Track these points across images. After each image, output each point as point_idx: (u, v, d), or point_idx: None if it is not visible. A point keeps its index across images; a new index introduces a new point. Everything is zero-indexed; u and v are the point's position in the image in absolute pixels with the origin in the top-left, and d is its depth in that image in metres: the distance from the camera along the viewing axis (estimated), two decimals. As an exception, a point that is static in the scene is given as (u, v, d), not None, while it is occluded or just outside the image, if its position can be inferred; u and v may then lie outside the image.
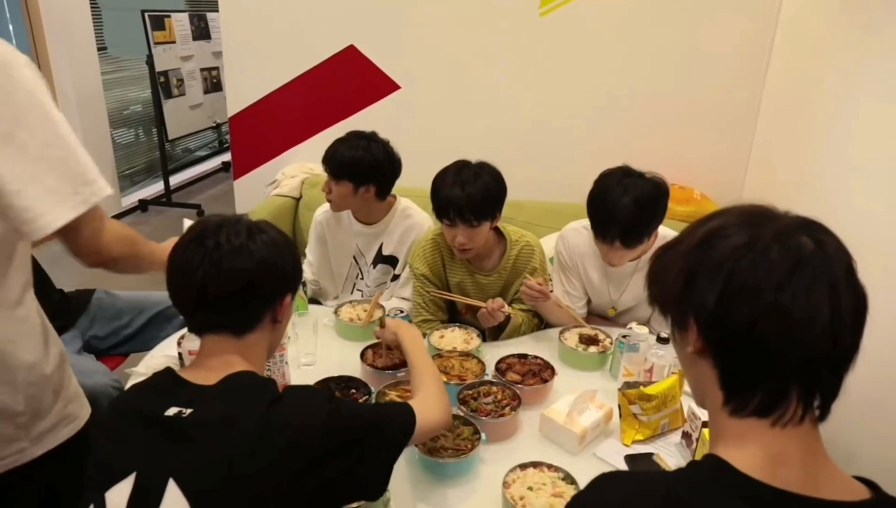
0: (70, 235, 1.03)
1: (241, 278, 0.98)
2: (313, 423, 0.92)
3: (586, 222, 2.00)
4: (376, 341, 1.74)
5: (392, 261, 2.21)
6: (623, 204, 1.70)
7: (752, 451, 0.66)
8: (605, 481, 0.71)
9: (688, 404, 1.51)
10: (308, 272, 2.28)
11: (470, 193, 1.76)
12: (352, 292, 2.24)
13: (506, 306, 1.83)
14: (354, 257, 2.24)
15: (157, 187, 5.39)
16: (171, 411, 0.91)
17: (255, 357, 1.03)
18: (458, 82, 2.96)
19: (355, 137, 2.07)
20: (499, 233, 1.97)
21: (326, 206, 2.21)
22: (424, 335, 1.87)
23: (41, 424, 1.14)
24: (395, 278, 2.21)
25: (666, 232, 1.86)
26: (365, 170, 2.03)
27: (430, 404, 1.17)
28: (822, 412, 0.69)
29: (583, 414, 1.43)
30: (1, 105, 0.92)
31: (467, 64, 2.92)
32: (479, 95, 2.96)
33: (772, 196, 2.78)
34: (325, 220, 2.23)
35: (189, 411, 0.91)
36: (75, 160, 1.00)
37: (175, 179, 5.49)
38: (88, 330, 2.05)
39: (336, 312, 1.91)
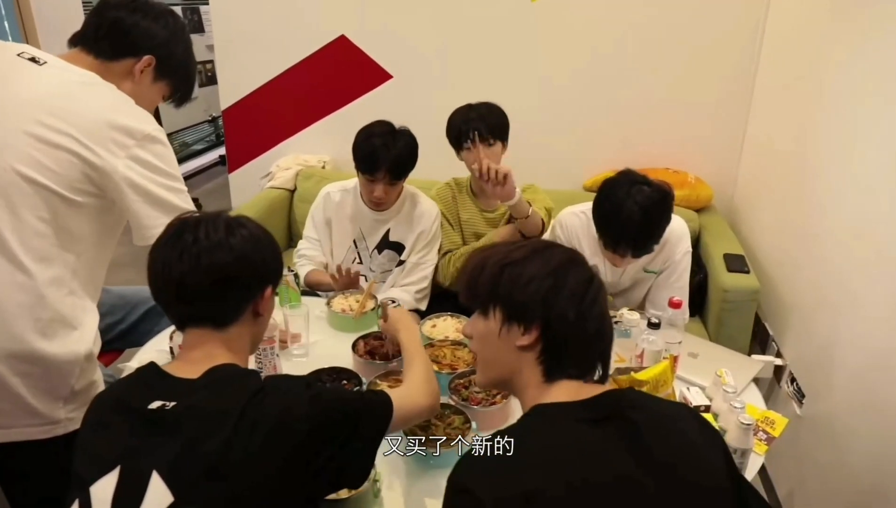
0: None
1: (219, 271, 0.99)
2: (296, 412, 0.93)
3: (583, 206, 2.00)
4: (368, 332, 1.75)
5: (398, 248, 2.19)
6: (634, 219, 1.69)
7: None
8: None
9: (679, 389, 1.51)
10: (314, 251, 2.23)
11: (482, 112, 2.06)
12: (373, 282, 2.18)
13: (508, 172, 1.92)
14: (354, 241, 2.21)
15: (154, 182, 5.37)
16: (155, 404, 0.92)
17: (238, 350, 1.04)
18: (450, 70, 2.94)
19: (387, 131, 2.01)
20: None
21: (339, 186, 2.20)
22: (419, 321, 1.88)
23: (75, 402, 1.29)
24: (401, 263, 2.20)
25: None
26: (414, 161, 2.04)
27: (411, 390, 1.19)
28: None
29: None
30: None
31: (459, 51, 2.91)
32: (471, 83, 2.91)
33: (766, 178, 2.81)
34: (338, 201, 2.18)
35: (172, 404, 0.92)
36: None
37: (172, 174, 5.47)
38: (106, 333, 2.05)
39: (328, 303, 1.91)
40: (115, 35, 1.33)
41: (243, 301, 1.04)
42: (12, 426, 1.25)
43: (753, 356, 1.93)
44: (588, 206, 1.89)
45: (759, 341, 2.39)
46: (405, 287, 2.14)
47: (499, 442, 0.85)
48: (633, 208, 1.69)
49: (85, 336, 1.29)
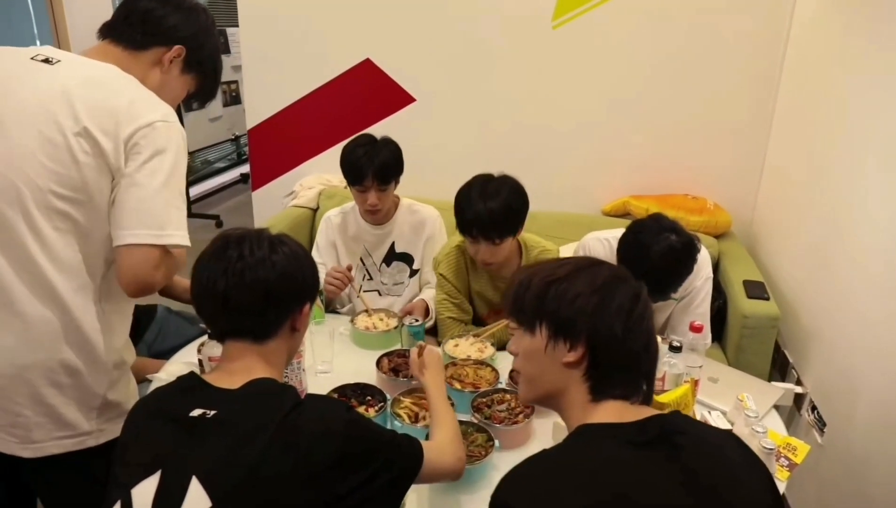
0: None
1: (262, 287, 1.01)
2: (332, 430, 0.95)
3: (608, 233, 2.02)
4: (391, 349, 1.77)
5: (407, 258, 2.25)
6: (656, 267, 1.68)
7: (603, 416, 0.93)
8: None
9: (700, 413, 1.52)
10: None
11: (493, 209, 1.76)
12: (359, 293, 2.24)
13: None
14: (361, 259, 2.26)
15: (177, 198, 5.48)
16: (196, 412, 0.95)
17: (275, 363, 1.07)
18: (472, 94, 2.99)
19: (369, 141, 2.09)
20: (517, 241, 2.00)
21: (338, 209, 2.27)
22: (439, 343, 1.91)
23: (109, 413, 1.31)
24: (414, 273, 2.25)
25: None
26: (399, 166, 2.10)
27: (443, 447, 1.18)
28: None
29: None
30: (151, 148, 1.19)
31: (481, 76, 2.96)
32: (492, 107, 2.99)
33: (785, 204, 2.81)
34: (339, 223, 2.26)
35: (213, 412, 0.95)
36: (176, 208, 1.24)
37: (195, 190, 5.57)
38: (153, 345, 2.07)
39: (352, 321, 1.95)
40: (145, 24, 1.31)
41: (283, 317, 1.06)
42: (46, 440, 1.25)
43: (773, 383, 1.93)
44: (613, 233, 1.90)
45: (779, 368, 2.38)
46: (431, 289, 2.18)
47: (543, 461, 0.86)
48: (656, 257, 1.69)
49: (115, 345, 1.30)
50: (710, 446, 0.90)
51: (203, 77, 1.44)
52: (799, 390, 2.15)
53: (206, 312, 1.05)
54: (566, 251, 2.27)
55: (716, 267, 2.59)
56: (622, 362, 0.94)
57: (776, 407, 1.68)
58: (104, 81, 1.23)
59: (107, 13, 1.38)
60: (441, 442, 1.20)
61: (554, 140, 2.97)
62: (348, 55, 3.07)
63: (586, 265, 0.99)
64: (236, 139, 5.85)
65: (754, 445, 1.27)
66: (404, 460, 1.05)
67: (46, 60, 1.22)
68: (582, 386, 0.94)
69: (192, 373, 1.05)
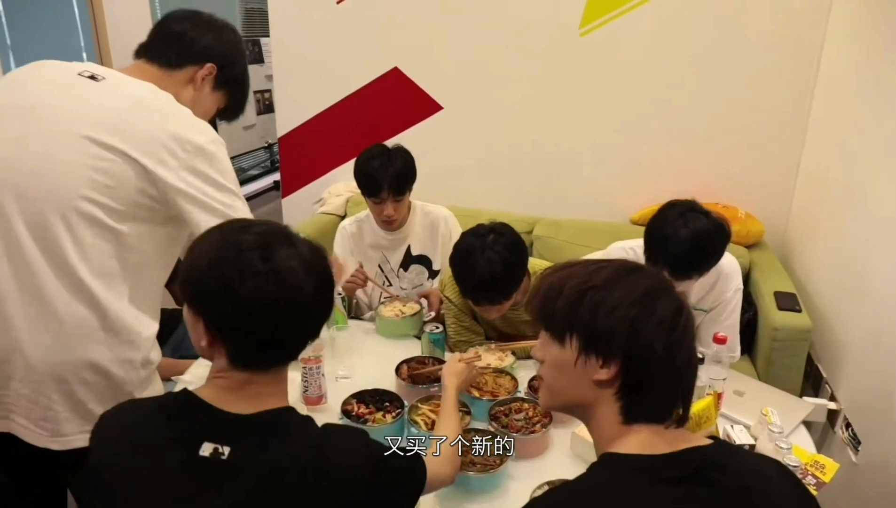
0: None
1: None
2: (359, 473, 0.91)
3: (633, 242, 1.99)
4: (411, 357, 1.78)
5: (425, 260, 2.26)
6: (682, 241, 1.66)
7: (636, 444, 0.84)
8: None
9: (723, 427, 1.48)
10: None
11: (496, 274, 1.65)
12: (380, 299, 2.24)
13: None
14: (379, 265, 2.29)
15: (211, 205, 5.59)
16: (207, 449, 0.86)
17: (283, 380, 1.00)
18: (499, 102, 2.99)
19: (382, 153, 2.11)
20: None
21: (352, 218, 2.30)
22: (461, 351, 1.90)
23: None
24: (434, 274, 2.27)
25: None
26: (413, 174, 2.12)
27: (444, 459, 1.19)
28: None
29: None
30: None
31: (508, 83, 2.96)
32: (519, 114, 2.99)
33: (820, 214, 2.73)
34: (354, 232, 2.28)
35: (227, 449, 0.86)
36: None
37: (228, 198, 5.67)
38: (179, 347, 2.11)
39: (377, 310, 2.02)
40: (179, 45, 1.40)
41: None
42: (74, 434, 1.29)
43: (805, 398, 1.87)
44: (638, 242, 1.87)
45: (812, 382, 2.31)
46: None
47: (564, 494, 0.81)
48: (684, 233, 1.66)
49: (142, 345, 1.34)
50: (752, 482, 0.82)
51: (233, 94, 1.51)
52: (832, 406, 2.08)
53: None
54: (591, 260, 2.24)
55: (746, 278, 2.53)
56: (660, 382, 0.84)
57: (808, 424, 1.63)
58: (147, 100, 1.30)
59: (146, 29, 1.45)
60: (444, 454, 1.19)
61: (582, 147, 2.94)
62: (377, 64, 3.10)
63: (625, 272, 0.88)
64: (269, 147, 5.94)
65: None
66: (413, 485, 1.04)
67: (92, 77, 1.30)
68: (612, 406, 0.85)
69: (185, 392, 0.95)
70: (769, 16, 2.61)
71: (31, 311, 1.22)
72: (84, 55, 4.46)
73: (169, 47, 1.39)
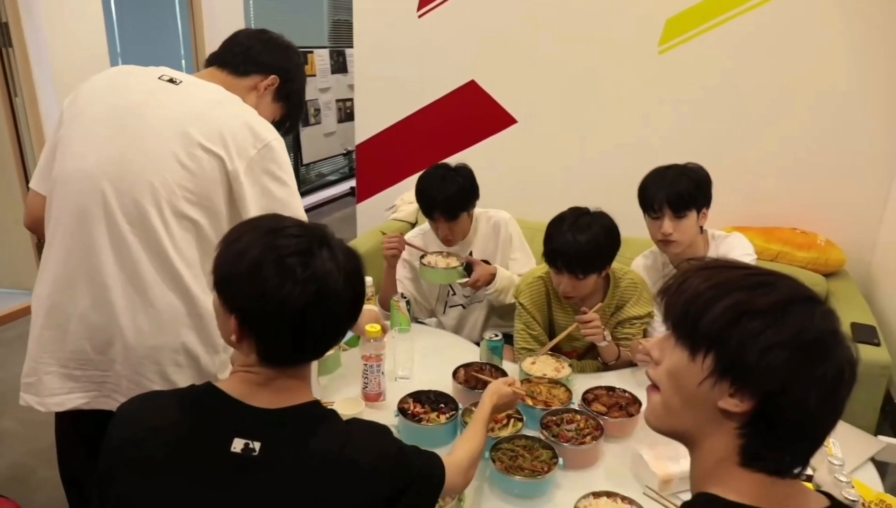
0: None
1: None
2: (385, 466, 0.93)
3: (648, 251, 2.09)
4: (469, 362, 1.82)
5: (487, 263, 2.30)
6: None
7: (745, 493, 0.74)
8: None
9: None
10: (407, 289, 2.38)
11: (580, 243, 1.75)
12: (444, 311, 2.31)
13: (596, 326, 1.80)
14: None
15: (291, 207, 5.85)
16: (238, 444, 0.88)
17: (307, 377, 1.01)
18: (574, 117, 3.00)
19: (440, 175, 2.15)
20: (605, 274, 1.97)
21: (417, 229, 2.36)
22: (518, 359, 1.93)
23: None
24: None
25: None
26: (470, 195, 2.16)
27: (463, 467, 1.18)
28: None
29: (678, 461, 1.37)
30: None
31: (584, 99, 2.96)
32: (594, 130, 2.99)
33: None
34: (422, 244, 2.32)
35: (258, 445, 0.88)
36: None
37: (307, 201, 5.92)
38: None
39: (422, 259, 2.13)
40: (247, 56, 1.54)
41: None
42: None
43: (880, 437, 1.78)
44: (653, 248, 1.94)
45: (891, 422, 2.19)
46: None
47: None
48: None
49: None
50: None
51: (289, 108, 1.65)
52: (909, 446, 1.96)
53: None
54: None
55: (823, 307, 2.42)
56: (799, 435, 0.73)
57: (882, 464, 1.56)
58: (221, 100, 1.43)
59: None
60: (461, 460, 1.19)
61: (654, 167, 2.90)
62: (454, 76, 3.18)
63: (797, 303, 0.73)
64: (348, 154, 6.16)
65: (836, 495, 1.19)
66: (434, 485, 1.04)
67: (171, 81, 1.43)
68: (731, 441, 0.74)
69: (210, 385, 0.95)
70: (860, 38, 2.50)
71: (133, 298, 1.35)
72: (183, 63, 4.81)
73: (237, 57, 1.54)
